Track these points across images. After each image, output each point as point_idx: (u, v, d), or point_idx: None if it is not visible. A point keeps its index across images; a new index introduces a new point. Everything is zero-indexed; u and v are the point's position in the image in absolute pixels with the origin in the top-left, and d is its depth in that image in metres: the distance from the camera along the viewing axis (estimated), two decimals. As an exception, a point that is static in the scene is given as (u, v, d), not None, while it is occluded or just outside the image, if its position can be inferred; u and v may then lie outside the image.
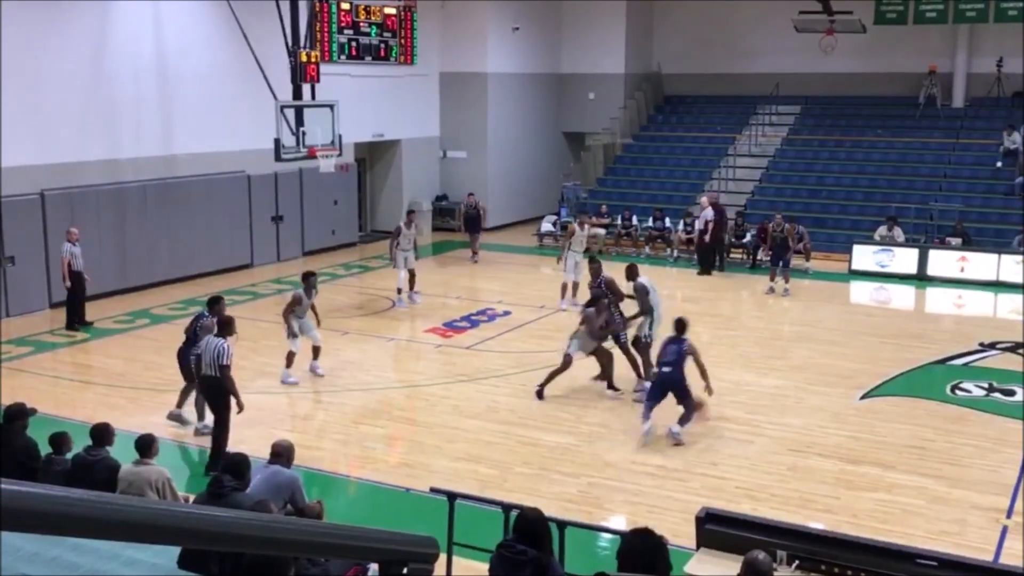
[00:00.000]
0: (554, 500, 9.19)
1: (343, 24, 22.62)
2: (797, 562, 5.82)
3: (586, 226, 18.42)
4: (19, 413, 8.25)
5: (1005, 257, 19.87)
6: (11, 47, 16.05)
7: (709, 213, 21.08)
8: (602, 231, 23.12)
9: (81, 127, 17.50)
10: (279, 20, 17.38)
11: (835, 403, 12.43)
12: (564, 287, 17.31)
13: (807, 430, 11.45)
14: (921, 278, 20.19)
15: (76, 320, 15.95)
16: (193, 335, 11.33)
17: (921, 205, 22.31)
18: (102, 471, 7.48)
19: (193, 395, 11.48)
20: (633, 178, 26.77)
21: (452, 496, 7.42)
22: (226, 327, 10.40)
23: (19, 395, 9.95)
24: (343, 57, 22.60)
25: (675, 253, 22.54)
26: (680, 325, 11.19)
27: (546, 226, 24.86)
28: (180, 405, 11.67)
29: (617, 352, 12.90)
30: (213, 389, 10.27)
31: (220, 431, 10.24)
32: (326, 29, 21.94)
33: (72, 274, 15.66)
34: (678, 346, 10.95)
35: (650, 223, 23.17)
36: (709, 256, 21.07)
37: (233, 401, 10.22)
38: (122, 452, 7.91)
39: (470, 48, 25.85)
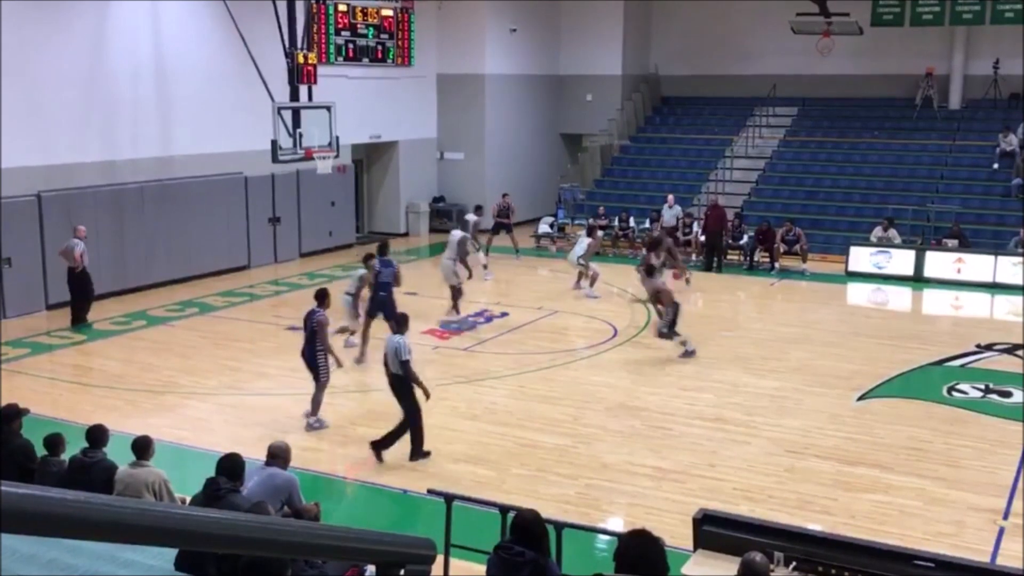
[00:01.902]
0: (552, 501, 9.19)
1: (340, 26, 22.61)
2: (794, 563, 5.82)
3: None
4: (14, 414, 8.24)
5: (1002, 259, 19.89)
6: (9, 48, 16.03)
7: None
8: (599, 232, 23.08)
9: (78, 128, 17.48)
10: (276, 22, 17.38)
11: (832, 404, 12.44)
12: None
13: (804, 431, 11.45)
14: (918, 280, 20.21)
15: (82, 319, 16.19)
16: (311, 334, 11.43)
17: (918, 207, 22.34)
18: (99, 473, 7.46)
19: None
20: (631, 179, 26.78)
21: (449, 498, 7.42)
22: (403, 324, 10.74)
23: (16, 396, 9.93)
24: (340, 59, 22.59)
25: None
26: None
27: (543, 227, 24.88)
28: (315, 411, 11.58)
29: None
30: (398, 385, 10.43)
31: (414, 422, 10.42)
32: (323, 31, 21.93)
33: (81, 271, 16.00)
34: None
35: (647, 224, 23.18)
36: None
37: (419, 391, 10.44)
38: (119, 454, 7.90)
39: (467, 49, 25.87)
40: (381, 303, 14.05)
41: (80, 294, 16.18)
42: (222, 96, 19.77)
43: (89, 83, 17.63)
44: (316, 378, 11.48)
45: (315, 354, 11.41)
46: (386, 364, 10.57)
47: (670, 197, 22.57)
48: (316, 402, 11.54)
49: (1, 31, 15.71)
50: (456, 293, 16.87)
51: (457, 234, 17.59)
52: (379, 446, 10.44)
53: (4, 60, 15.92)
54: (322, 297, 11.76)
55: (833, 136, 26.18)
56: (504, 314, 16.97)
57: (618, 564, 4.40)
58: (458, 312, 16.77)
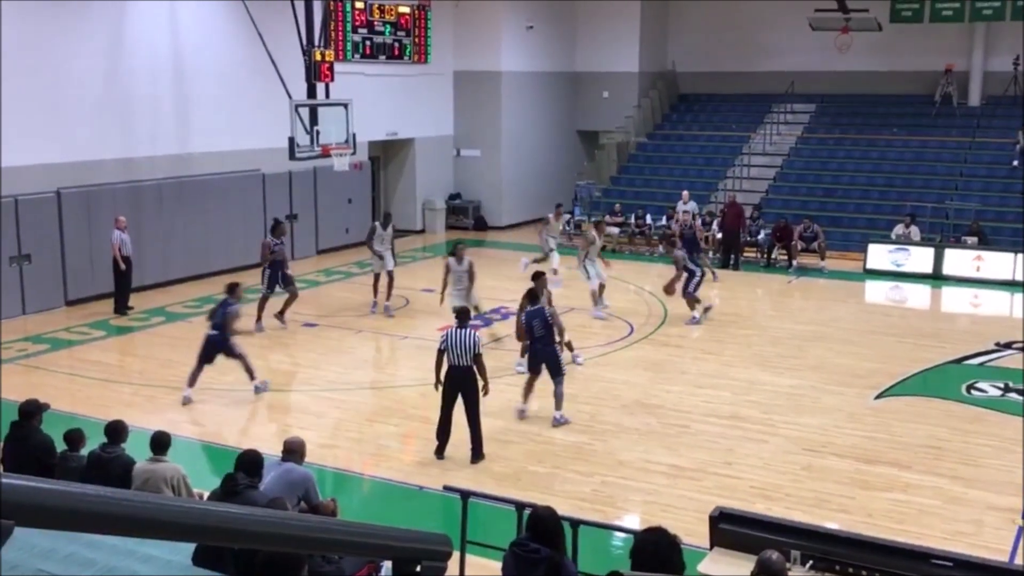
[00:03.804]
0: (568, 499, 9.19)
1: (357, 23, 22.66)
2: (811, 562, 5.80)
3: (602, 230, 18.26)
4: (34, 410, 8.29)
5: (1022, 256, 19.75)
6: (28, 46, 16.16)
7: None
8: (615, 229, 23.09)
9: (97, 125, 17.58)
10: (294, 19, 17.42)
11: (850, 403, 12.39)
12: (593, 293, 16.96)
13: (822, 430, 11.41)
14: (937, 277, 20.10)
15: (125, 306, 16.71)
16: (221, 322, 12.15)
17: (937, 204, 22.22)
18: (117, 468, 7.50)
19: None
20: (647, 177, 26.72)
21: (466, 494, 7.42)
22: (466, 316, 10.80)
23: (36, 392, 10.02)
24: (357, 56, 22.64)
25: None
26: None
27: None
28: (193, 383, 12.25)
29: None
30: (464, 379, 10.40)
31: (475, 419, 10.47)
32: (340, 28, 21.98)
33: (123, 259, 16.50)
34: None
35: (664, 222, 23.13)
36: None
37: (480, 384, 10.47)
38: (136, 449, 7.94)
39: (484, 47, 25.86)
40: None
41: (120, 282, 16.73)
42: (240, 93, 19.85)
43: (108, 81, 17.73)
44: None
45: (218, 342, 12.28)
46: (438, 361, 10.45)
47: (685, 193, 22.54)
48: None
49: (1, 30, 15.78)
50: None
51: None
52: (476, 455, 10.46)
53: (24, 58, 16.04)
54: (232, 290, 12.52)
55: (852, 133, 26.04)
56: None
57: (634, 562, 4.40)
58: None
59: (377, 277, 17.03)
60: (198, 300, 17.87)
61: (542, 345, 11.54)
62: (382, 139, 24.41)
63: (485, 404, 11.86)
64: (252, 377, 12.51)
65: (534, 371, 11.66)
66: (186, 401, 12.24)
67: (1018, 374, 13.54)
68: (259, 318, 15.65)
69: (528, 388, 11.75)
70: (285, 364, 14.40)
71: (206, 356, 12.34)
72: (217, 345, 12.31)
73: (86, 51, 17.29)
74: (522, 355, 13.73)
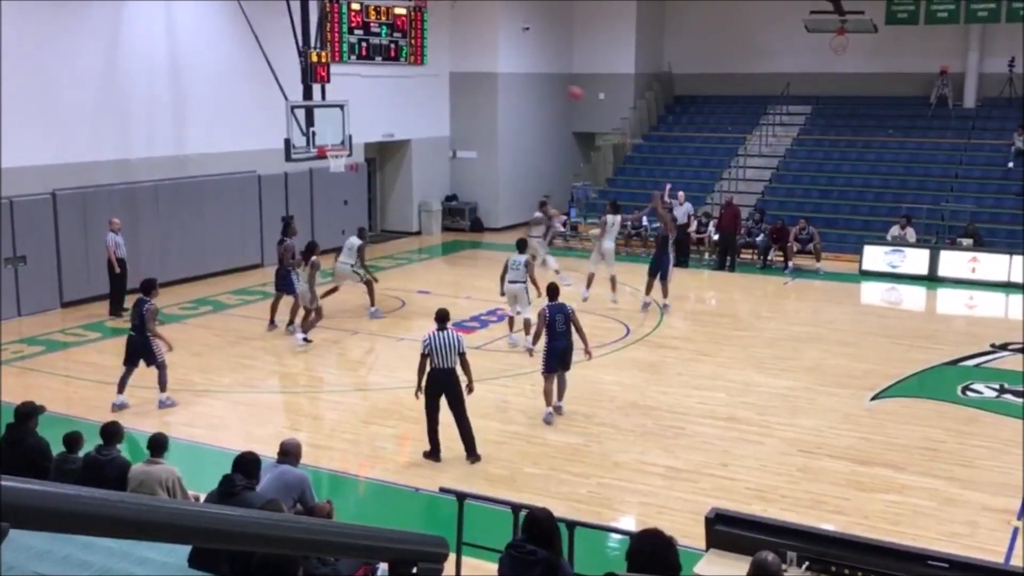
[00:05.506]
0: (563, 500, 9.19)
1: (353, 24, 22.64)
2: (807, 563, 5.80)
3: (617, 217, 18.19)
4: (30, 412, 8.27)
5: (1017, 258, 19.78)
6: (24, 47, 16.14)
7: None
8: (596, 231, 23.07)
9: (93, 127, 17.56)
10: (290, 20, 17.42)
11: (846, 404, 12.41)
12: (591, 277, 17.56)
13: (818, 431, 11.42)
14: (932, 279, 20.13)
15: (120, 307, 16.53)
16: (140, 322, 11.95)
17: (932, 206, 22.25)
18: (113, 470, 7.50)
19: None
20: (643, 178, 26.69)
21: (461, 496, 7.43)
22: (446, 319, 10.69)
23: (31, 394, 10.00)
24: (353, 57, 22.62)
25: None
26: None
27: (556, 226, 24.83)
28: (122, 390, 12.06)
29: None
30: (448, 380, 10.36)
31: (464, 419, 10.44)
32: (336, 29, 21.96)
33: (117, 261, 16.43)
34: None
35: (657, 224, 23.11)
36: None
37: (464, 384, 10.44)
38: (132, 451, 7.93)
39: (480, 48, 25.88)
40: None
41: (115, 284, 16.65)
42: (236, 95, 19.83)
43: (104, 82, 17.71)
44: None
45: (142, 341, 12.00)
46: (421, 365, 10.38)
47: (680, 195, 22.60)
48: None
49: (1, 31, 15.76)
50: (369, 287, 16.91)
51: (356, 241, 16.84)
52: (471, 454, 10.47)
53: (20, 59, 16.02)
54: (148, 288, 12.30)
55: (847, 135, 26.08)
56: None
57: (630, 563, 4.40)
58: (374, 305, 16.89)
59: (334, 290, 16.85)
60: (194, 302, 17.87)
61: (566, 341, 11.53)
62: (378, 140, 24.41)
63: (480, 406, 11.86)
64: (163, 389, 12.09)
65: (551, 371, 11.61)
66: (118, 407, 11.87)
67: (1013, 375, 13.58)
68: (291, 321, 15.56)
69: (548, 391, 11.68)
70: (280, 366, 14.39)
71: (129, 358, 12.09)
72: (138, 347, 12.00)
73: (82, 52, 17.27)
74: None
